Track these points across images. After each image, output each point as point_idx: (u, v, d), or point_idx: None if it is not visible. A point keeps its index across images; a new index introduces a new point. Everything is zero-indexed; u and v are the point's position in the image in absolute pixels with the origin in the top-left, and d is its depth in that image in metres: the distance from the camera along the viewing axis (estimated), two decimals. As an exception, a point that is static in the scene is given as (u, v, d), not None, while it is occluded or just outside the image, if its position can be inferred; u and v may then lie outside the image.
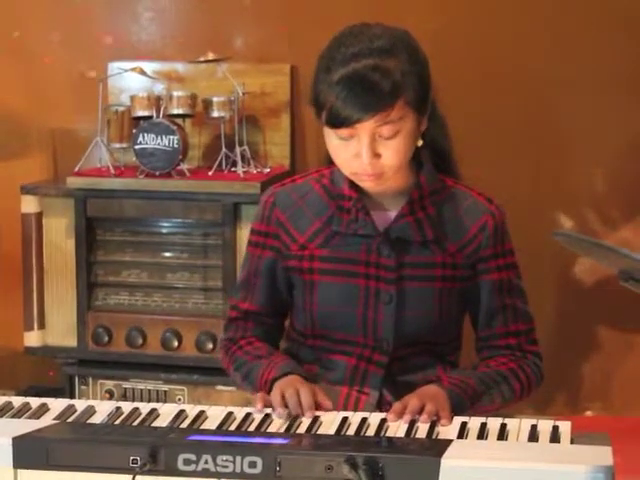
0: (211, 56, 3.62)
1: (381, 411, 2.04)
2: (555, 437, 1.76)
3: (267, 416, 1.88)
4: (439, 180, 2.11)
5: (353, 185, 2.07)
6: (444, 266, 2.08)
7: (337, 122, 1.95)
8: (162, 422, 1.85)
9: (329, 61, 1.97)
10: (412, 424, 1.83)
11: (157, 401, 3.54)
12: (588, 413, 3.71)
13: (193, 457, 1.63)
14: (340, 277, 2.08)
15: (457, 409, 1.94)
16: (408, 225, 2.06)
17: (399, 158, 1.99)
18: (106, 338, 3.61)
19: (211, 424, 1.84)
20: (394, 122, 1.95)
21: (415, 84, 1.97)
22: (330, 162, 2.09)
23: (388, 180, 2.03)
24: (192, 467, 1.63)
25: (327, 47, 2.01)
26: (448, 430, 1.82)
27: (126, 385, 3.63)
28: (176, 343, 3.58)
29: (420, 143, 2.04)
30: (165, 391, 3.60)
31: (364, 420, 1.85)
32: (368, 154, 1.96)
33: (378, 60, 1.94)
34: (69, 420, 1.86)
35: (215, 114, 3.64)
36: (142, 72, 3.71)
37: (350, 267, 2.07)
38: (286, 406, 1.91)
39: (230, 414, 1.87)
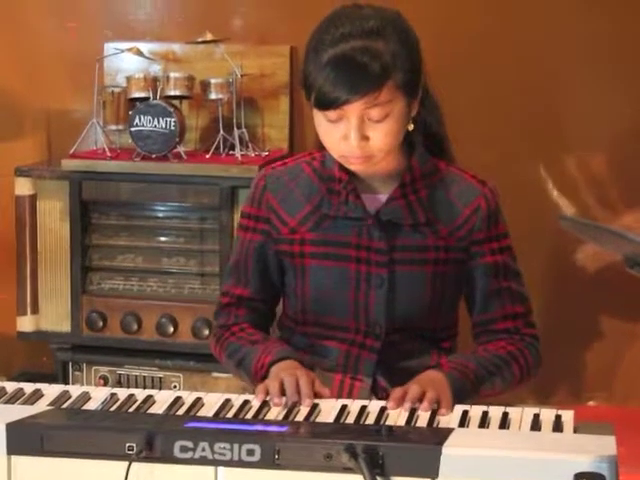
0: (209, 37, 3.57)
1: (376, 397, 2.02)
2: (558, 426, 1.73)
3: (265, 403, 1.86)
4: (431, 163, 2.09)
5: (343, 167, 2.05)
6: (436, 249, 2.06)
7: (325, 103, 1.93)
8: (158, 409, 1.82)
9: (318, 42, 1.96)
10: (412, 412, 1.81)
11: (152, 388, 3.51)
12: (591, 403, 3.69)
13: (190, 444, 1.60)
14: (331, 261, 2.06)
15: (459, 394, 1.91)
16: (399, 208, 2.04)
17: (388, 141, 1.96)
18: (100, 323, 3.58)
19: (208, 411, 1.82)
20: (383, 104, 1.93)
21: (405, 66, 1.94)
22: (320, 145, 2.07)
23: (377, 164, 2.01)
24: (189, 454, 1.60)
25: (317, 28, 1.99)
26: (449, 419, 1.80)
27: (121, 371, 3.60)
28: (172, 329, 3.54)
29: (411, 127, 2.02)
30: (160, 378, 3.57)
31: (364, 408, 1.83)
32: (356, 136, 1.94)
33: (367, 42, 1.92)
34: (64, 406, 1.84)
35: (213, 96, 3.59)
36: (139, 53, 3.67)
37: (341, 250, 2.06)
38: (283, 394, 1.88)
39: (227, 401, 1.85)
